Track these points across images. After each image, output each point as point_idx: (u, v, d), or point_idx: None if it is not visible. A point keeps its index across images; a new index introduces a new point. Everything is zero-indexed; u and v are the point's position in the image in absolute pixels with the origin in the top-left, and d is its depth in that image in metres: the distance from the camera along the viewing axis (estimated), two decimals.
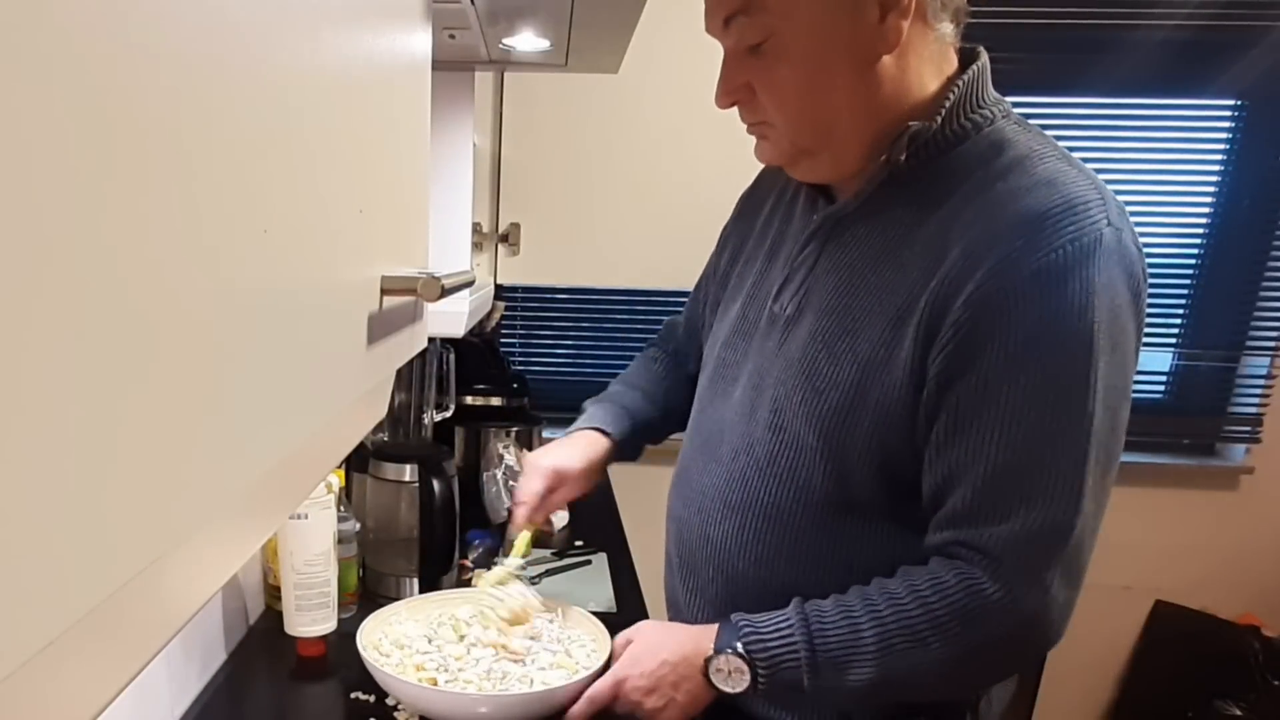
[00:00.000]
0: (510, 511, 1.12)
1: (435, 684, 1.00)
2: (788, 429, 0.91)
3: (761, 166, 1.07)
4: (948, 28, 0.85)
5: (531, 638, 1.09)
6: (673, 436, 1.23)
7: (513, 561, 1.14)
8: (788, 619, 0.87)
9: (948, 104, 0.84)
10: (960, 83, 0.84)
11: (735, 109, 0.90)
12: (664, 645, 0.93)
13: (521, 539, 1.13)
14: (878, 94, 0.84)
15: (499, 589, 1.11)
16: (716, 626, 0.91)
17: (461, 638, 1.08)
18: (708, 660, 0.89)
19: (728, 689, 0.88)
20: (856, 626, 0.84)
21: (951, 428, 0.81)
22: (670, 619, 1.08)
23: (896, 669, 0.83)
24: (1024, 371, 0.78)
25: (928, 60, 0.85)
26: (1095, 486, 0.80)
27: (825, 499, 0.89)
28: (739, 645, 0.87)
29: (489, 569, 1.16)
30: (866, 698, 0.86)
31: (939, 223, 0.83)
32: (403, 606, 1.18)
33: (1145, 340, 0.84)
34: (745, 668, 0.87)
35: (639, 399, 1.20)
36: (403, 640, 1.10)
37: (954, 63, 0.87)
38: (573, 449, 1.14)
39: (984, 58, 0.87)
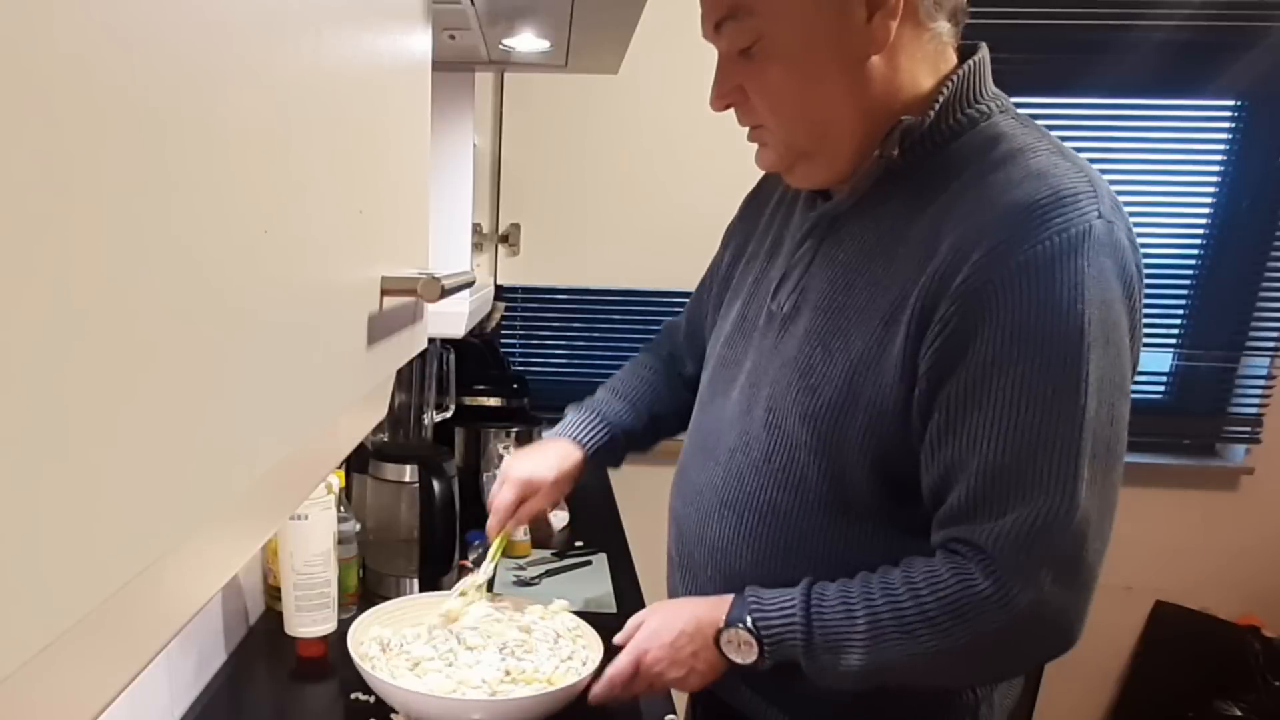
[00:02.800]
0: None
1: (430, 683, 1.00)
2: (783, 427, 0.91)
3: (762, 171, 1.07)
4: (944, 26, 0.84)
5: (524, 632, 1.12)
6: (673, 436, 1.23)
7: (483, 570, 1.16)
8: (792, 599, 0.88)
9: (941, 99, 0.83)
10: (954, 78, 0.84)
11: (732, 111, 0.90)
12: (679, 617, 0.94)
13: (494, 547, 1.16)
14: (868, 93, 0.84)
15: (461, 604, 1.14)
16: (730, 599, 0.92)
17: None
18: (719, 631, 0.90)
19: (738, 660, 0.90)
20: (852, 613, 0.85)
21: (945, 426, 0.81)
22: None
23: (888, 657, 0.84)
24: (1013, 365, 0.77)
25: (921, 60, 0.84)
26: (1096, 481, 0.78)
27: (821, 498, 0.89)
28: (748, 620, 0.89)
29: (488, 583, 1.18)
30: (863, 681, 0.86)
31: (932, 218, 0.82)
32: (392, 607, 1.18)
33: (1145, 340, 0.83)
34: (753, 641, 0.88)
35: (622, 408, 1.21)
36: (393, 641, 1.10)
37: (952, 60, 0.86)
38: (545, 459, 1.15)
39: (982, 52, 0.87)
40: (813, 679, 0.88)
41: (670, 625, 0.94)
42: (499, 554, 1.17)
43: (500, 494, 1.14)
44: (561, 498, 1.18)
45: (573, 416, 1.21)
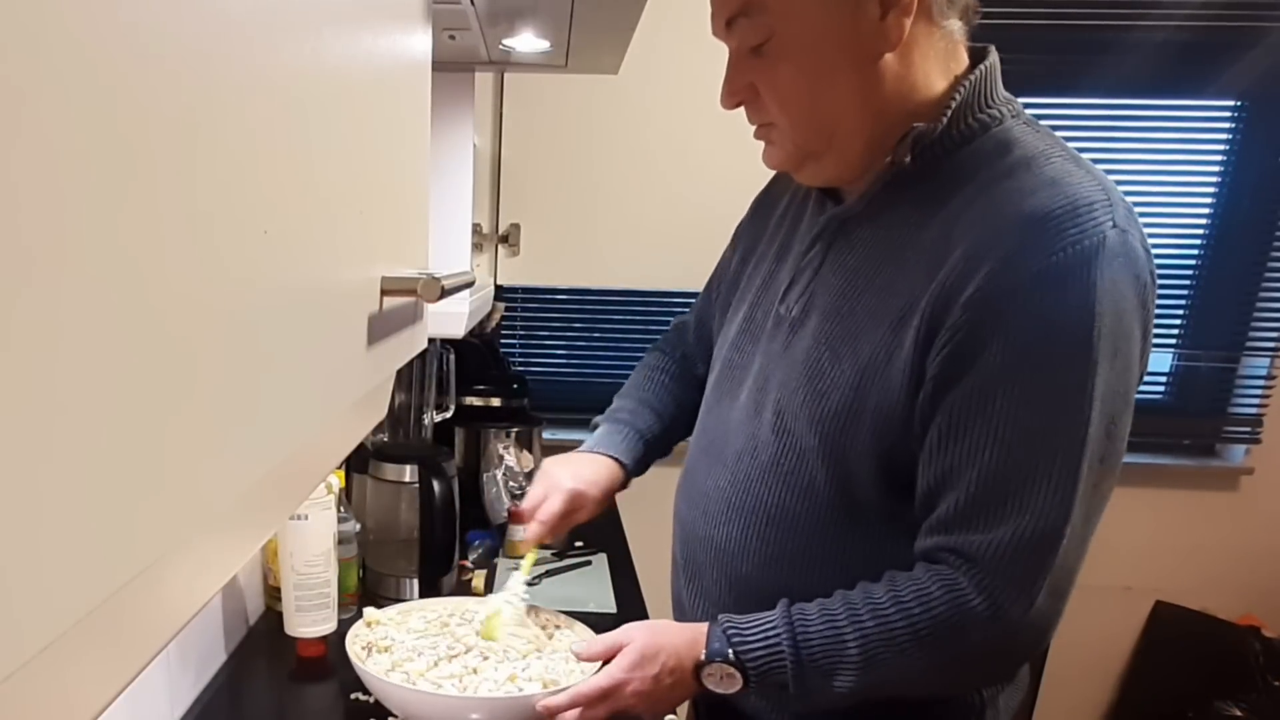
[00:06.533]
0: (510, 512, 1.11)
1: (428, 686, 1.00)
2: (791, 432, 0.90)
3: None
4: (955, 25, 0.84)
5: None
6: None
7: (517, 583, 1.11)
8: (774, 625, 0.87)
9: (954, 104, 0.83)
10: (967, 82, 0.83)
11: (741, 110, 0.90)
12: (661, 647, 0.92)
13: (529, 558, 1.12)
14: (880, 92, 0.83)
15: (508, 624, 1.08)
16: (705, 630, 0.90)
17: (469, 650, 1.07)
18: (699, 665, 0.89)
19: (721, 690, 0.89)
20: (841, 636, 0.84)
21: (946, 431, 0.81)
22: (675, 620, 1.08)
23: (880, 676, 0.84)
24: (1021, 376, 0.77)
25: (934, 58, 0.84)
26: (1088, 495, 0.79)
27: (829, 502, 0.89)
28: (730, 653, 0.88)
29: (488, 584, 1.15)
30: (847, 700, 0.86)
31: (942, 223, 0.82)
32: (394, 611, 1.17)
33: None
34: (736, 673, 0.88)
35: (650, 419, 1.18)
36: (393, 643, 1.09)
37: (963, 61, 0.86)
38: (593, 472, 1.11)
39: (993, 56, 0.86)
40: (796, 700, 0.87)
41: (654, 656, 0.91)
42: (533, 566, 1.12)
43: (548, 503, 1.07)
44: (598, 515, 1.14)
45: (608, 431, 1.16)
